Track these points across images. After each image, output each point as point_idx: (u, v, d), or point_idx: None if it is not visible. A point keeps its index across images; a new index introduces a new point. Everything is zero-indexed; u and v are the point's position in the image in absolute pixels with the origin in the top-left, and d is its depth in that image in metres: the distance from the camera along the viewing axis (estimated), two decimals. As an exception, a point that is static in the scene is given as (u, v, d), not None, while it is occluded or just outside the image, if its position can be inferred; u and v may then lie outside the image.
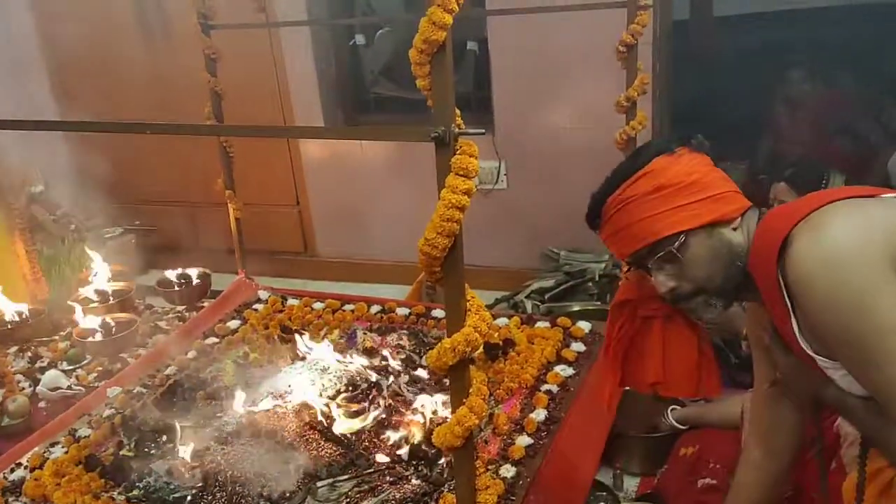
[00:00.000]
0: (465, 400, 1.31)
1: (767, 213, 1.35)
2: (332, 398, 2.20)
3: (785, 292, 1.23)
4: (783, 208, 1.33)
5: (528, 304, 3.61)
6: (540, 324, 2.76)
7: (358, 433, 2.11)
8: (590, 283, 3.67)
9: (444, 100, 1.22)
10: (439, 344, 1.29)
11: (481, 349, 2.40)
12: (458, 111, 1.24)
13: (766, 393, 1.55)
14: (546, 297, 3.64)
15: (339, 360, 2.40)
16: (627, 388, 1.90)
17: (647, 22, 2.57)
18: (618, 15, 2.62)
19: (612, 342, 1.76)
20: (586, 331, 2.69)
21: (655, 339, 1.72)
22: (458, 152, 1.23)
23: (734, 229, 1.35)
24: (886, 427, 1.21)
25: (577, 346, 2.60)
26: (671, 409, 2.50)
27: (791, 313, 1.26)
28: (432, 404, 2.21)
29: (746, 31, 4.23)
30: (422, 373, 2.42)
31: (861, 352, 1.16)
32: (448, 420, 1.33)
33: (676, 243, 1.35)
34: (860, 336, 1.15)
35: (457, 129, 1.24)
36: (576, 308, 3.44)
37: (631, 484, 2.51)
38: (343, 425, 2.12)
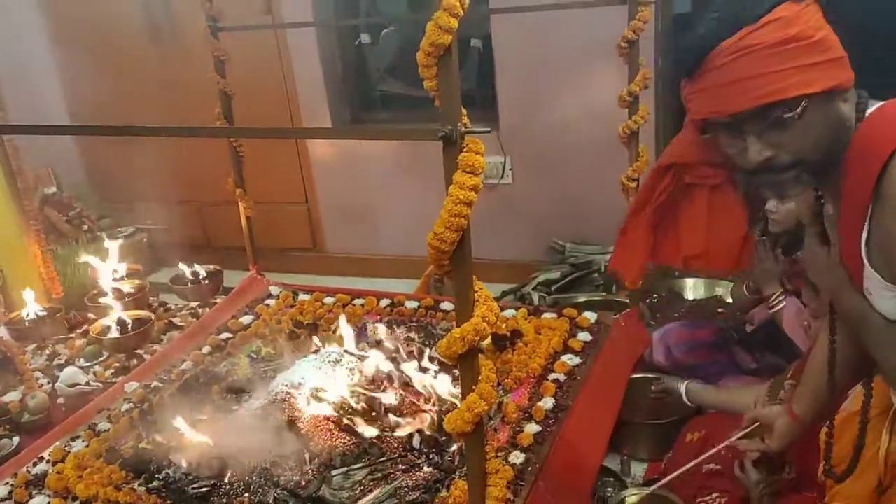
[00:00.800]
0: (474, 387, 1.36)
1: (878, 107, 1.23)
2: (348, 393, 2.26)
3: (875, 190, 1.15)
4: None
5: (535, 296, 3.67)
6: (546, 315, 2.80)
7: (370, 423, 2.17)
8: (595, 275, 3.72)
9: (451, 100, 1.27)
10: (449, 333, 1.34)
11: (489, 340, 2.45)
12: (463, 110, 1.30)
13: None
14: (552, 288, 3.70)
15: (349, 353, 2.46)
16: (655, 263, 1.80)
17: (649, 18, 2.61)
18: (619, 12, 2.67)
19: (646, 208, 1.61)
20: (592, 321, 2.73)
21: (699, 208, 1.58)
22: (464, 150, 1.29)
23: (845, 101, 1.22)
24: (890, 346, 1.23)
25: (584, 336, 2.64)
26: (686, 385, 2.53)
27: (868, 218, 1.19)
28: (443, 391, 2.27)
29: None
30: (430, 364, 2.48)
31: None
32: (458, 407, 1.39)
33: (799, 108, 1.18)
34: None
35: (463, 128, 1.29)
36: (582, 299, 3.50)
37: (638, 470, 2.56)
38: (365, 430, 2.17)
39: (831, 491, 1.53)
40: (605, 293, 3.56)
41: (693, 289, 3.51)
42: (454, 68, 1.27)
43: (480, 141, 1.30)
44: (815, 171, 1.26)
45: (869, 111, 1.22)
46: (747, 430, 1.91)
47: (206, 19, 2.99)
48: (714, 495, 2.12)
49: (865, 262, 1.22)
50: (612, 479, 2.49)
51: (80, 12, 4.27)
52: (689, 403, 2.51)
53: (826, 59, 1.18)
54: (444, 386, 2.30)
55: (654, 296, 3.47)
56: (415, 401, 2.26)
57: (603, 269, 3.72)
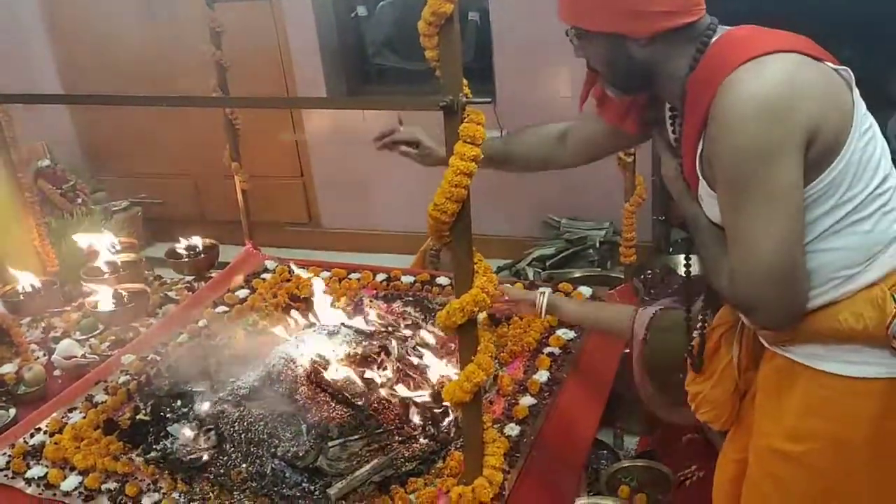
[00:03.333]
0: (473, 357, 1.37)
1: (724, 35, 1.38)
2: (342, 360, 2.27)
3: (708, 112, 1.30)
4: (742, 35, 1.36)
5: (530, 272, 3.68)
6: (542, 289, 2.81)
7: (367, 395, 2.18)
8: (590, 251, 3.74)
9: (453, 70, 1.28)
10: (448, 304, 1.35)
11: (485, 315, 2.46)
12: (464, 80, 1.30)
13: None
14: (547, 264, 3.72)
15: (346, 325, 2.47)
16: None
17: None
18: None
19: None
20: (587, 296, 2.75)
21: None
22: (465, 120, 1.29)
23: (642, 46, 1.40)
24: (719, 257, 1.37)
25: (546, 290, 2.64)
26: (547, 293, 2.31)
27: (702, 134, 1.34)
28: (438, 366, 2.29)
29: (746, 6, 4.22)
30: (427, 336, 2.49)
31: (735, 195, 1.29)
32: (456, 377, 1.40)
33: (570, 35, 1.50)
34: (745, 185, 1.26)
35: (464, 99, 1.29)
36: (577, 274, 3.52)
37: (630, 443, 2.59)
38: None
39: (696, 397, 1.64)
40: (599, 269, 3.58)
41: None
42: (456, 38, 1.27)
43: (481, 112, 1.30)
44: (627, 90, 1.52)
45: (715, 38, 1.37)
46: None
47: (202, -11, 2.96)
48: (693, 468, 2.17)
49: (698, 173, 1.38)
50: (605, 451, 2.52)
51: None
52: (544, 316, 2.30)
53: (617, 9, 1.36)
54: (438, 363, 2.31)
55: (648, 272, 3.48)
56: (411, 374, 2.27)
57: (598, 244, 3.73)
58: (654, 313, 1.98)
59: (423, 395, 2.19)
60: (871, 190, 1.30)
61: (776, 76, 1.24)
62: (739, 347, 1.55)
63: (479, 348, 1.38)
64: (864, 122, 1.32)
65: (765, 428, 1.47)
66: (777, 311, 1.31)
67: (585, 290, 2.77)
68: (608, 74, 1.51)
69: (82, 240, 3.30)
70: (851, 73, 1.35)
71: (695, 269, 2.24)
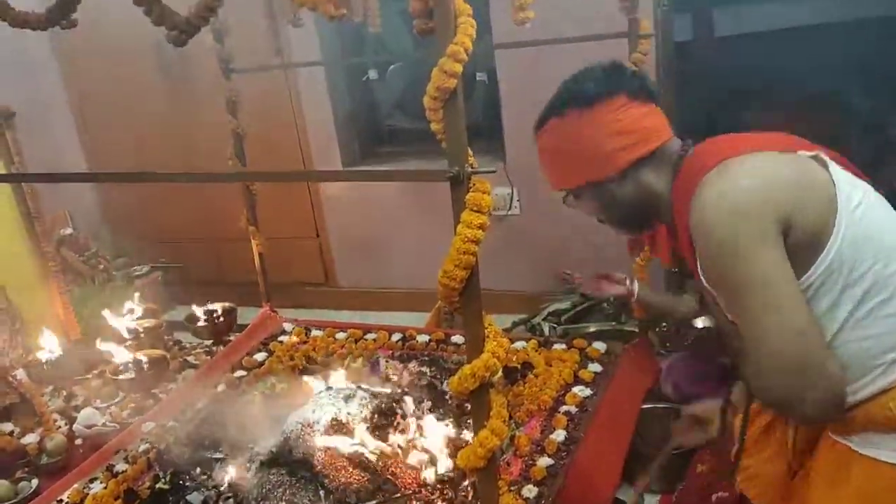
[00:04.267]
0: (486, 423, 1.38)
1: (697, 147, 1.45)
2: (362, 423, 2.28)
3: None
4: (712, 147, 1.43)
5: (546, 327, 3.68)
6: (557, 346, 2.83)
7: (384, 459, 2.18)
8: (605, 304, 3.73)
9: (457, 142, 1.31)
10: (460, 370, 1.37)
11: (500, 373, 2.46)
12: (469, 151, 1.33)
13: None
14: (562, 318, 3.71)
15: (361, 388, 2.48)
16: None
17: (649, 50, 2.66)
18: (620, 44, 2.72)
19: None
20: (602, 351, 2.75)
21: None
22: (471, 190, 1.32)
23: (619, 184, 1.50)
24: (742, 357, 1.36)
25: (594, 367, 2.66)
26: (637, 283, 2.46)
27: (695, 249, 1.37)
28: (455, 427, 2.29)
29: (750, 50, 4.29)
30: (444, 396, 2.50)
31: (728, 296, 1.33)
32: (470, 443, 1.41)
33: (565, 196, 1.62)
34: (732, 285, 1.29)
35: (470, 169, 1.32)
36: (592, 329, 3.51)
37: (651, 502, 2.56)
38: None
39: (747, 472, 1.63)
40: (614, 322, 3.57)
41: (702, 317, 3.51)
42: (460, 111, 1.30)
43: (487, 181, 1.33)
44: (633, 228, 1.62)
45: (688, 156, 1.45)
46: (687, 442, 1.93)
47: (218, 61, 3.06)
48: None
49: (704, 282, 1.40)
50: (626, 510, 2.48)
51: (93, 55, 4.36)
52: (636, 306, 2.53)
53: (580, 161, 1.50)
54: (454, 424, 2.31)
55: (663, 324, 3.47)
56: (427, 436, 2.27)
57: (612, 298, 3.73)
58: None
59: (440, 458, 2.19)
60: (881, 267, 1.27)
61: (738, 175, 1.29)
62: (795, 429, 1.52)
63: (491, 413, 1.39)
64: (852, 200, 1.30)
65: None
66: (808, 403, 1.27)
67: (600, 346, 2.77)
68: (608, 219, 1.60)
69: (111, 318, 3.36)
70: (825, 157, 1.37)
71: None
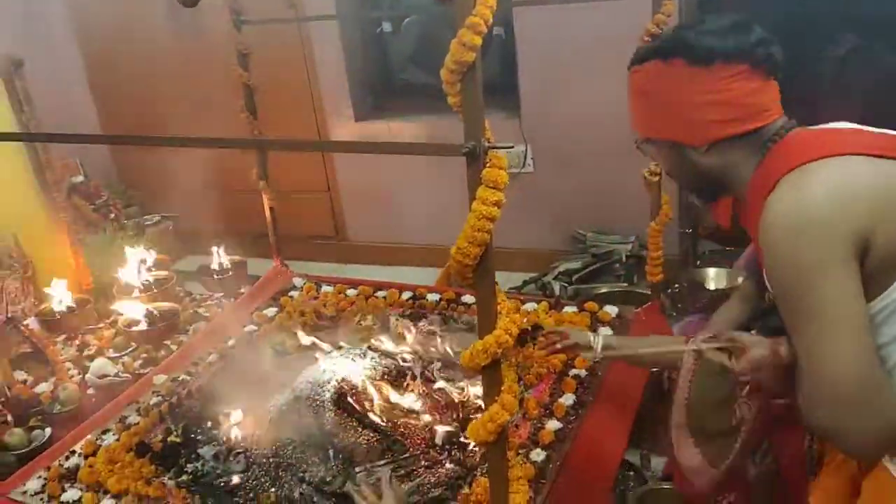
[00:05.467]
0: (496, 397, 1.39)
1: (785, 138, 1.33)
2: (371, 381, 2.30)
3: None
4: (802, 140, 1.32)
5: (556, 286, 3.68)
6: (567, 308, 2.82)
7: (393, 420, 2.20)
8: (616, 265, 3.73)
9: (475, 117, 1.28)
10: (472, 346, 1.36)
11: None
12: (486, 126, 1.31)
13: None
14: (573, 278, 3.71)
15: (372, 348, 2.49)
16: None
17: (672, 11, 2.59)
18: (643, 4, 2.65)
19: None
20: (613, 315, 2.75)
21: None
22: (487, 165, 1.30)
23: (705, 153, 1.40)
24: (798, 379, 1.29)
25: (605, 331, 2.65)
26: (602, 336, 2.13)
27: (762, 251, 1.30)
28: (465, 387, 2.30)
29: (781, 6, 4.16)
30: (454, 356, 2.51)
31: (790, 315, 1.25)
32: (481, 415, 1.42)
33: (639, 143, 1.54)
34: (793, 302, 1.23)
35: (487, 143, 1.30)
36: (603, 290, 3.51)
37: (658, 463, 2.58)
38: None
39: (814, 485, 1.56)
40: (626, 283, 3.57)
41: (714, 279, 3.50)
42: (478, 85, 1.27)
43: (504, 156, 1.31)
44: (700, 195, 1.55)
45: (778, 143, 1.34)
46: (720, 344, 1.67)
47: (230, 13, 3.01)
48: (732, 495, 2.14)
49: (769, 286, 1.33)
50: (632, 473, 2.51)
51: (104, 4, 4.29)
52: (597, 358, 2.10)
53: (670, 117, 1.40)
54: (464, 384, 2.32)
55: (675, 286, 3.46)
56: (437, 397, 2.29)
57: (624, 259, 3.72)
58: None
59: (449, 419, 2.21)
60: None
61: (814, 188, 1.19)
62: None
63: (503, 388, 1.39)
64: None
65: None
66: (856, 437, 1.22)
67: (611, 309, 2.77)
68: (678, 179, 1.55)
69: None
70: None
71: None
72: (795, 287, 1.20)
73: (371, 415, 2.21)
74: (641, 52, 1.44)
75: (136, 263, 3.36)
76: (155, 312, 3.08)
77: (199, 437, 2.32)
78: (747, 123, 1.34)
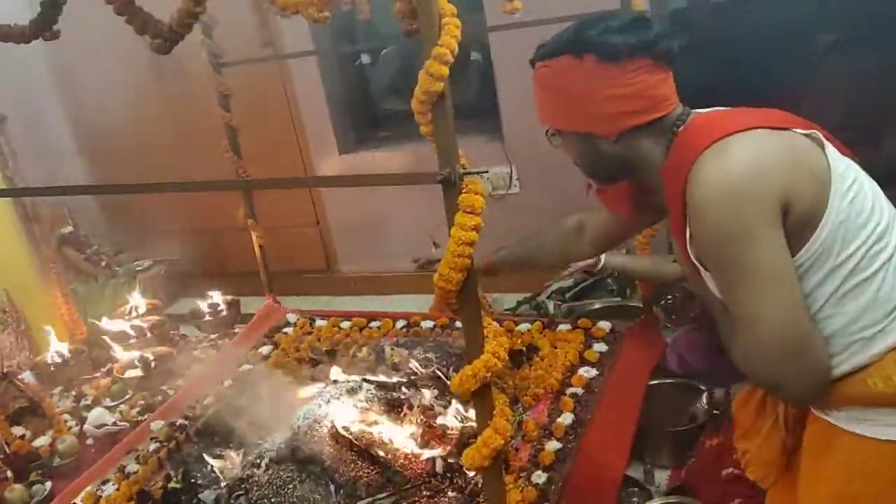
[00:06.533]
0: (489, 422, 1.38)
1: (690, 122, 1.41)
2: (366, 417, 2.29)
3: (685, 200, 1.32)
4: (705, 121, 1.39)
5: (550, 305, 3.67)
6: (562, 327, 2.82)
7: (393, 451, 2.19)
8: (608, 280, 3.72)
9: (447, 144, 1.30)
10: (461, 371, 1.37)
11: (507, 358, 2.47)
12: (460, 152, 1.32)
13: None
14: (566, 296, 3.70)
15: (367, 380, 2.49)
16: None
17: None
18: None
19: None
20: (607, 330, 2.75)
21: None
22: (464, 191, 1.31)
23: (613, 143, 1.45)
24: (732, 338, 1.35)
25: (599, 347, 2.66)
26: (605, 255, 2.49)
27: (686, 225, 1.35)
28: (463, 414, 2.29)
29: (747, 16, 4.23)
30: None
31: (724, 277, 1.31)
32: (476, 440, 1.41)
33: (548, 134, 1.56)
34: (727, 265, 1.28)
35: (461, 170, 1.31)
36: (597, 305, 3.50)
37: (661, 477, 2.57)
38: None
39: (745, 456, 1.64)
40: (619, 298, 3.56)
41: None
42: (448, 113, 1.29)
43: (479, 181, 1.32)
44: (605, 181, 1.58)
45: (683, 127, 1.40)
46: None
47: (208, 56, 3.03)
48: (736, 501, 2.13)
49: (692, 258, 1.38)
50: (636, 488, 2.50)
51: (84, 55, 4.31)
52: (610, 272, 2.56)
53: (581, 110, 1.44)
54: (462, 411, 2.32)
55: (668, 297, 3.46)
56: (434, 425, 2.28)
57: (616, 273, 3.71)
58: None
59: (449, 447, 2.20)
60: (867, 248, 1.28)
61: (737, 156, 1.26)
62: (785, 407, 1.52)
63: (494, 412, 1.39)
64: (846, 180, 1.30)
65: (810, 492, 1.44)
66: (797, 385, 1.30)
67: (605, 325, 2.77)
68: (586, 168, 1.56)
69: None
70: (821, 135, 1.35)
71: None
72: (728, 250, 1.26)
73: (370, 448, 2.20)
74: (548, 48, 1.47)
75: (127, 311, 3.36)
76: (150, 358, 3.07)
77: (200, 482, 2.30)
78: (652, 113, 1.41)
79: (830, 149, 1.34)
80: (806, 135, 1.35)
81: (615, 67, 1.38)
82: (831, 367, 1.30)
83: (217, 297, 3.54)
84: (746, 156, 1.26)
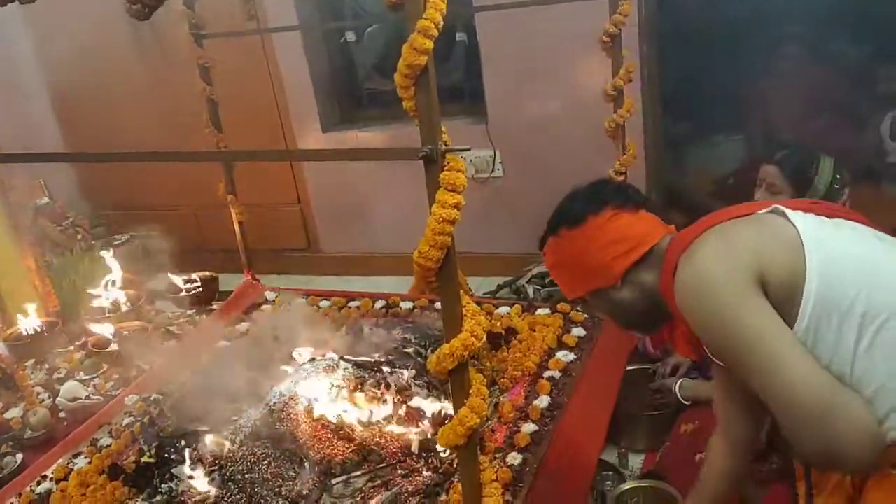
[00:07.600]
0: (465, 401, 1.38)
1: (669, 244, 1.51)
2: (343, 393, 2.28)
3: None
4: (679, 236, 1.49)
5: (530, 289, 3.67)
6: (540, 311, 2.83)
7: (368, 429, 2.19)
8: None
9: (430, 120, 1.28)
10: (439, 350, 1.36)
11: (484, 338, 2.47)
12: (443, 129, 1.30)
13: (722, 387, 1.67)
14: (546, 281, 3.70)
15: (344, 359, 2.47)
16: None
17: (630, 12, 2.61)
18: (601, 4, 2.67)
19: None
20: (585, 315, 2.75)
21: None
22: (445, 168, 1.29)
23: (620, 289, 1.56)
24: (781, 426, 1.33)
25: (578, 332, 2.67)
26: (679, 383, 2.54)
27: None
28: (439, 395, 2.29)
29: (735, 5, 4.23)
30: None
31: (737, 364, 1.34)
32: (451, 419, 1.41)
33: (573, 300, 1.72)
34: (732, 351, 1.33)
35: (444, 146, 1.30)
36: (576, 292, 3.50)
37: (635, 461, 2.58)
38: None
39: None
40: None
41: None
42: (432, 88, 1.27)
43: (461, 159, 1.31)
44: (637, 329, 1.70)
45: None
46: None
47: (189, 27, 2.99)
48: None
49: (712, 357, 1.45)
50: (610, 472, 2.51)
51: (64, 24, 4.24)
52: (684, 401, 2.50)
53: (582, 272, 1.58)
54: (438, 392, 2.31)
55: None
56: (410, 405, 2.28)
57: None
58: None
59: (424, 426, 2.20)
60: (865, 294, 1.27)
61: (701, 252, 1.37)
62: None
63: (471, 391, 1.38)
64: (820, 238, 1.34)
65: None
66: (845, 447, 1.24)
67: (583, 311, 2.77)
68: (620, 322, 1.66)
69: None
70: (782, 207, 1.43)
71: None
72: (722, 334, 1.32)
73: (346, 426, 2.19)
74: (541, 238, 1.67)
75: (108, 283, 3.32)
76: (125, 332, 3.04)
77: (173, 457, 2.28)
78: (640, 248, 1.53)
79: (794, 214, 1.41)
80: (768, 212, 1.44)
81: (584, 227, 1.55)
82: (874, 424, 1.26)
83: (194, 273, 3.50)
84: (710, 247, 1.37)
